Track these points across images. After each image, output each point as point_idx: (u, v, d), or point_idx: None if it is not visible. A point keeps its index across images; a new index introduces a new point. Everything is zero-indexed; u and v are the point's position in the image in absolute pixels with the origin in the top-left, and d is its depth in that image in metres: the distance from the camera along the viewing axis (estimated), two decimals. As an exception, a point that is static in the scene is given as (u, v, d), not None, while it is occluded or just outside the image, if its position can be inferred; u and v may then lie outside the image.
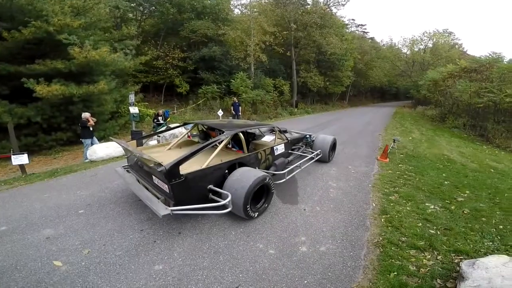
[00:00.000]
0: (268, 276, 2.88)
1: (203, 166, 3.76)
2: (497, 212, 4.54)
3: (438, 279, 2.86)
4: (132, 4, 18.63)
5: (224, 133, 4.31)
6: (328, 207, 4.56)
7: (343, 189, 5.41)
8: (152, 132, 10.44)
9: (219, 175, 3.98)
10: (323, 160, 6.99)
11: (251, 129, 5.21)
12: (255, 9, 21.99)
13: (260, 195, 4.18)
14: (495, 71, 16.91)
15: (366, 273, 2.96)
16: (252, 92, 19.17)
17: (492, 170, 7.56)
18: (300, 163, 5.74)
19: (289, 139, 6.11)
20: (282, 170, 5.10)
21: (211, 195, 3.82)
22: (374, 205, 4.70)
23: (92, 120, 8.19)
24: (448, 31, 41.14)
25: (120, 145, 4.34)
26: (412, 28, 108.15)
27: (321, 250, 3.34)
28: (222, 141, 4.19)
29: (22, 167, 6.62)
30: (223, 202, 3.57)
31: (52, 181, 5.94)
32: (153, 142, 8.79)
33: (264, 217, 4.12)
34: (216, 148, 4.15)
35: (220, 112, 13.96)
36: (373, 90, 52.06)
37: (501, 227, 4.01)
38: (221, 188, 3.87)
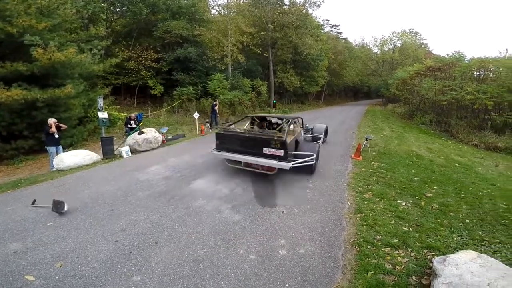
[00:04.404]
0: (250, 281, 2.88)
1: (290, 140, 5.77)
2: (463, 207, 4.84)
3: (413, 276, 2.97)
4: (102, 4, 17.80)
5: (286, 120, 7.12)
6: (305, 208, 4.65)
7: (320, 189, 5.54)
8: (124, 138, 10.03)
9: (294, 145, 6.07)
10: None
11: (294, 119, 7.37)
12: (232, 10, 21.82)
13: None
14: (457, 70, 18.06)
15: (345, 273, 3.04)
16: (229, 93, 19.01)
17: (457, 165, 8.07)
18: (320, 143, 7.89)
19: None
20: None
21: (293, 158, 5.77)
22: (349, 204, 4.85)
23: (61, 126, 7.76)
24: (414, 31, 43.34)
25: (226, 129, 6.41)
26: (382, 28, 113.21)
27: (300, 253, 3.38)
28: (291, 123, 6.80)
29: (-20, 179, 6.10)
30: (313, 156, 6.01)
31: (16, 192, 5.59)
32: (125, 148, 8.45)
33: (243, 222, 4.13)
34: (286, 128, 6.36)
35: (196, 115, 13.65)
36: (346, 89, 53.73)
37: (467, 221, 4.27)
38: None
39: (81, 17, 15.34)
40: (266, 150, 5.41)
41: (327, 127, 9.50)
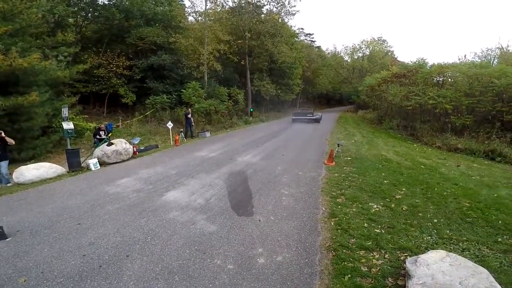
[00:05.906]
0: (229, 292, 2.81)
1: (313, 112, 24.51)
2: (431, 207, 5.08)
3: (389, 278, 3.02)
4: (73, 9, 17.01)
5: (311, 109, 25.73)
6: (281, 215, 4.66)
7: (295, 196, 5.60)
8: (92, 149, 9.54)
9: (314, 113, 24.25)
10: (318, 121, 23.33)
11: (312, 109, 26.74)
12: (210, 17, 21.70)
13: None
14: (420, 76, 19.24)
15: (323, 279, 3.05)
16: (205, 102, 18.75)
17: (423, 167, 8.53)
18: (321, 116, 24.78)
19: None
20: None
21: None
22: (323, 209, 4.93)
23: (7, 139, 6.75)
24: (382, 39, 45.97)
25: (297, 110, 28.02)
26: (353, 35, 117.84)
27: (278, 260, 3.37)
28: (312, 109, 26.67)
29: None
30: (320, 116, 24.53)
31: (-31, 208, 5.09)
32: (93, 160, 8.00)
33: (219, 232, 4.05)
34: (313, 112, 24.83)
35: (170, 124, 13.28)
36: (320, 96, 55.24)
37: (435, 221, 4.46)
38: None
39: (47, 22, 14.55)
40: (308, 115, 23.15)
41: (321, 115, 24.33)
